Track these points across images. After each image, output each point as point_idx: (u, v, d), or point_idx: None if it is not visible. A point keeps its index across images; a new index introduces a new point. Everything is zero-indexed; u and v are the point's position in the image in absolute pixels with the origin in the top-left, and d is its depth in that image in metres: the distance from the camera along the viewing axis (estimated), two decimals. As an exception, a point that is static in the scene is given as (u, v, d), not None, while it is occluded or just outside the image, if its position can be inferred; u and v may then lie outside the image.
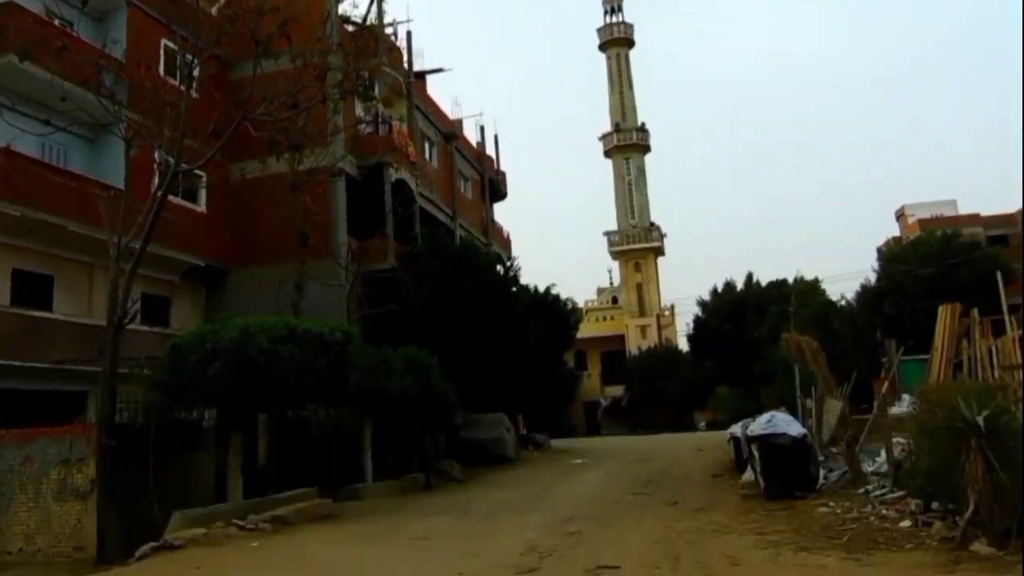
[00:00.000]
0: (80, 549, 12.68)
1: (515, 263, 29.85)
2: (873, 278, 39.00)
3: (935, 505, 9.39)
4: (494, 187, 39.44)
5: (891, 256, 38.85)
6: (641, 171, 66.94)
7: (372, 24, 26.08)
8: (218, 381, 12.91)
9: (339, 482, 17.86)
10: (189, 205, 23.17)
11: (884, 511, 10.18)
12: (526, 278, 34.47)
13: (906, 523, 9.31)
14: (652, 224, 65.95)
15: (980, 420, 8.03)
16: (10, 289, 17.93)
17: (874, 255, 42.04)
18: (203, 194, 23.66)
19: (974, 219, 46.57)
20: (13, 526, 13.25)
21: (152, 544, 11.73)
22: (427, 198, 29.63)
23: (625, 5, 69.15)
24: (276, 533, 12.69)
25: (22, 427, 14.00)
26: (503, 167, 40.93)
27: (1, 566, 12.60)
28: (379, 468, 20.51)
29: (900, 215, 52.32)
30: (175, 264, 22.33)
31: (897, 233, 49.62)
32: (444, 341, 25.73)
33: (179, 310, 23.09)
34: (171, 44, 19.49)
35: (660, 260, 65.85)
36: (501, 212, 40.55)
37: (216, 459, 15.61)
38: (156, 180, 17.16)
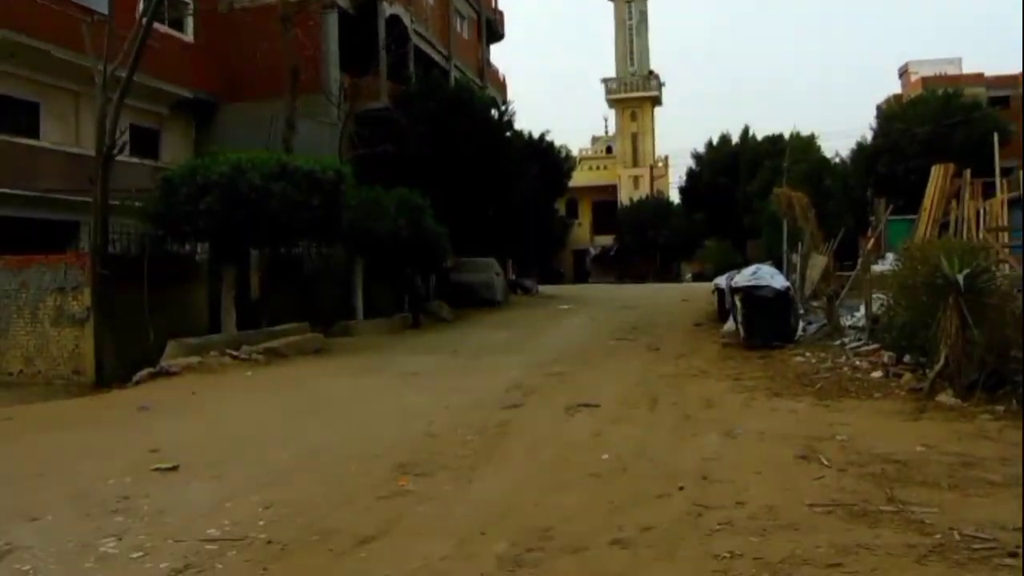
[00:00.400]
0: (79, 373, 12.99)
1: (510, 108, 29.08)
2: (870, 136, 38.41)
3: (907, 358, 9.62)
4: (491, 27, 37.88)
5: (889, 114, 38.09)
6: (643, 17, 64.27)
7: None
8: (209, 215, 12.80)
9: (330, 319, 18.17)
10: (176, 34, 22.22)
11: (858, 362, 10.45)
12: (521, 124, 34.00)
13: (878, 374, 9.58)
14: (651, 73, 64.08)
15: (960, 278, 8.08)
16: (-7, 114, 17.46)
17: (873, 113, 41.21)
18: (191, 23, 22.65)
19: (978, 79, 45.30)
20: (12, 349, 13.50)
21: (149, 370, 12.01)
22: (422, 36, 28.48)
23: None
24: (269, 364, 13.00)
25: (16, 255, 13.98)
26: (501, 6, 39.25)
27: (3, 386, 12.94)
28: (370, 307, 20.89)
29: (903, 72, 50.82)
30: (163, 95, 21.68)
31: (899, 91, 48.40)
32: (437, 184, 25.48)
33: (169, 143, 22.62)
34: None
35: (657, 110, 64.54)
36: (498, 54, 39.32)
37: (209, 292, 15.77)
38: (141, 6, 16.35)
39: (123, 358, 12.78)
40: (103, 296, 12.90)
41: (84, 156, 15.76)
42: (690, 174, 58.42)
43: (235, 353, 12.92)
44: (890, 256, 17.46)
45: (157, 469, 6.48)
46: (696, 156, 58.07)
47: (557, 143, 36.72)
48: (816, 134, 49.19)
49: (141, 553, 4.65)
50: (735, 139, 56.74)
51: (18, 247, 14.52)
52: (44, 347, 13.32)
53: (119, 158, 13.85)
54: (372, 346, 16.14)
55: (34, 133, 18.18)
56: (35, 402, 10.88)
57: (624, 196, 60.48)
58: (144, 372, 11.93)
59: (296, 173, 13.47)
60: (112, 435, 8.15)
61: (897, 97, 44.90)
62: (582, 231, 61.70)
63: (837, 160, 43.04)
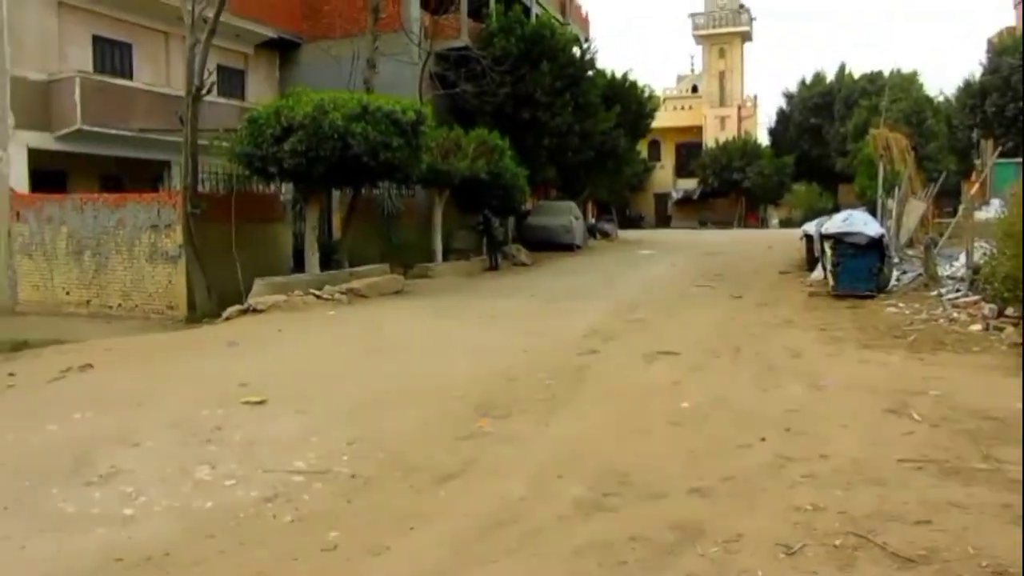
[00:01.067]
0: (172, 308, 13.58)
1: (592, 46, 28.48)
2: (978, 73, 36.15)
3: (1010, 311, 9.18)
4: (575, -39, 36.91)
5: (1001, 49, 35.66)
6: (735, -54, 61.47)
7: None
8: (293, 156, 13.05)
9: (410, 260, 18.53)
10: (260, -28, 22.46)
11: (955, 314, 10.03)
12: (603, 62, 33.28)
13: (976, 327, 9.18)
14: (741, 6, 61.49)
15: (1075, 227, 7.60)
16: (92, 55, 18.06)
17: (983, 47, 38.70)
18: (273, -39, 22.83)
19: (1105, 10, 41.87)
20: (111, 284, 14.20)
21: (238, 307, 12.48)
22: (503, -29, 28.00)
23: None
24: (351, 304, 13.33)
25: (113, 192, 14.58)
26: (586, -62, 38.07)
27: (103, 318, 13.65)
28: (448, 249, 21.20)
29: (1019, 2, 47.38)
30: (249, 35, 22.04)
31: (1013, 23, 45.18)
32: (516, 125, 25.39)
33: (254, 83, 23.06)
34: None
35: (746, 47, 62.02)
36: (581, -11, 38.19)
37: (294, 232, 16.19)
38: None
39: (213, 294, 13.30)
40: (194, 234, 13.38)
41: (174, 96, 16.20)
42: (780, 115, 56.39)
43: (318, 293, 13.28)
44: (996, 202, 16.55)
45: (247, 402, 6.76)
46: (787, 95, 55.96)
47: (640, 83, 35.83)
48: (918, 71, 46.66)
49: (233, 481, 4.88)
50: (830, 77, 54.35)
51: (115, 185, 15.15)
52: (140, 282, 13.96)
53: (207, 98, 14.20)
54: (451, 288, 16.39)
55: (127, 74, 18.77)
56: (133, 335, 11.42)
57: (709, 138, 58.81)
58: (234, 308, 12.39)
59: (377, 113, 13.55)
60: (205, 368, 8.52)
61: (1010, 30, 41.97)
62: (664, 174, 60.51)
63: (941, 99, 40.75)
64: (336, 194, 17.77)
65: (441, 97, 23.58)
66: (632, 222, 58.08)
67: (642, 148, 52.50)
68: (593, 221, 43.47)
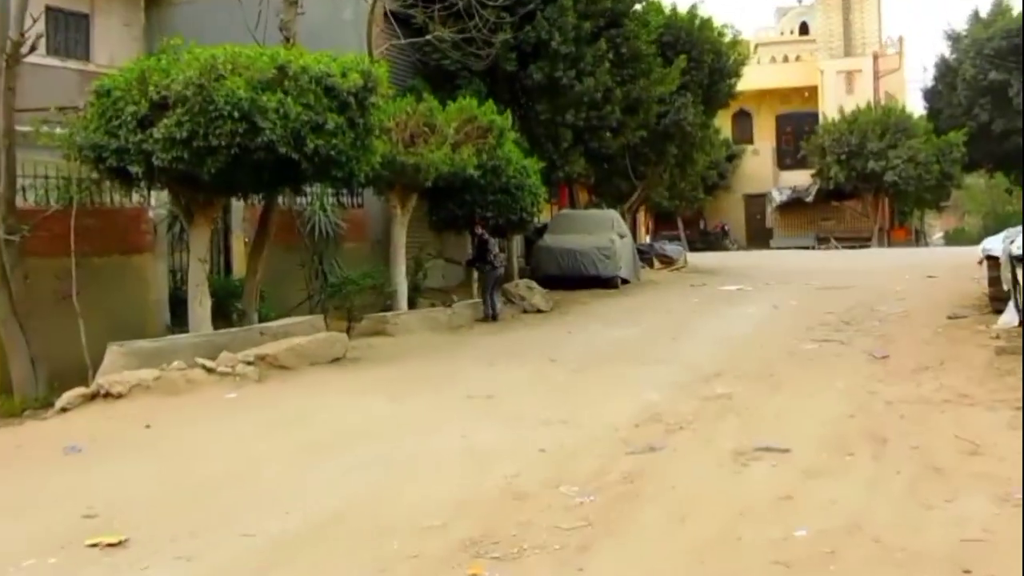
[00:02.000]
0: (-21, 392, 13.54)
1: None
2: None
3: None
4: None
5: None
6: None
7: None
8: (170, 147, 13.10)
9: (358, 308, 18.60)
10: None
11: None
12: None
13: None
14: (875, -100, 62.42)
15: None
16: None
17: None
18: None
19: None
20: None
21: (81, 390, 12.40)
22: None
23: None
24: (263, 380, 13.32)
25: None
26: None
27: None
28: (417, 288, 21.35)
29: None
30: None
31: None
32: (522, 91, 25.65)
33: (105, 36, 23.30)
34: None
35: (883, -37, 62.89)
36: None
37: (170, 267, 16.22)
38: None
39: (42, 370, 13.27)
40: (9, 275, 13.41)
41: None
42: (941, 68, 56.67)
43: (210, 364, 13.28)
44: None
45: (96, 544, 6.72)
46: (952, 37, 56.26)
47: (718, 21, 36.28)
48: None
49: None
50: (1017, 8, 54.79)
51: None
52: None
53: (29, 59, 14.34)
54: (422, 350, 16.46)
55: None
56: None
57: (829, 104, 59.28)
58: (74, 393, 12.33)
59: (301, 78, 13.66)
60: (28, 491, 8.48)
61: None
62: (759, 164, 61.05)
63: None
64: (238, 206, 17.82)
65: (403, 51, 23.84)
66: (709, 240, 58.51)
67: (723, 124, 53.00)
68: (647, 241, 43.64)
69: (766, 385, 12.06)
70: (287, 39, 17.71)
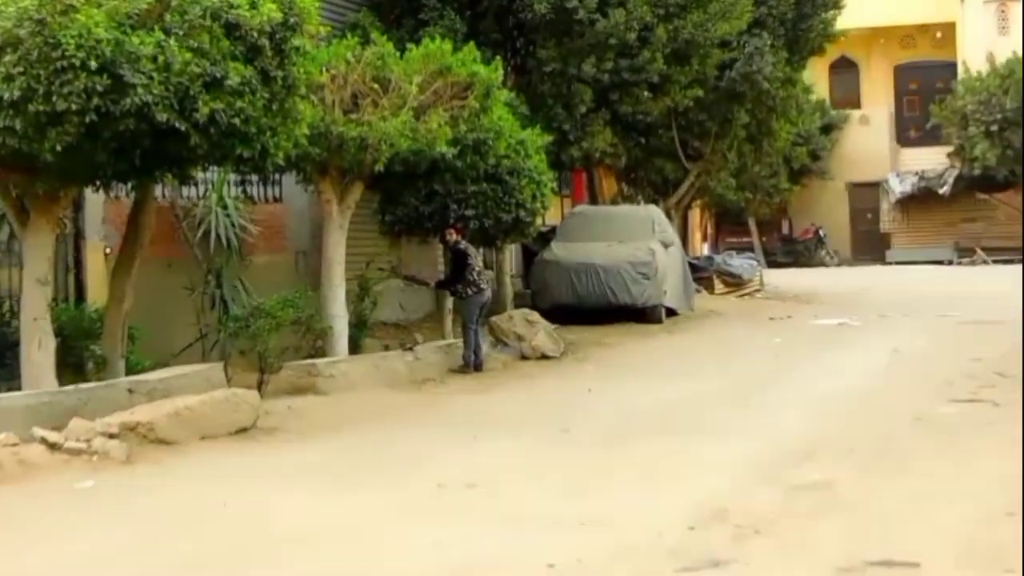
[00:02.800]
0: None
1: None
2: None
3: None
4: None
5: None
6: None
7: None
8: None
9: (273, 353, 18.48)
10: None
11: None
12: None
13: None
14: None
15: None
16: None
17: None
18: None
19: None
20: None
21: None
22: None
23: None
24: (133, 460, 13.25)
25: None
26: None
27: None
28: (362, 323, 21.26)
29: None
30: None
31: None
32: (517, 30, 25.66)
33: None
34: None
35: None
36: None
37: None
38: None
39: None
40: None
41: None
42: None
43: (55, 436, 13.22)
44: None
45: None
46: None
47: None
48: None
49: None
50: None
51: None
52: None
53: None
54: (370, 416, 16.49)
55: None
56: None
57: (973, 51, 59.34)
58: None
59: (190, 12, 13.67)
60: None
61: None
62: (870, 137, 61.13)
63: None
64: (96, 200, 17.76)
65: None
66: (797, 251, 58.55)
67: (816, 79, 53.00)
68: (705, 252, 43.73)
69: (883, 468, 12.03)
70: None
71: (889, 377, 18.61)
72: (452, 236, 21.57)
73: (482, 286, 21.36)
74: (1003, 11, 59.89)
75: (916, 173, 58.94)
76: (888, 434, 13.89)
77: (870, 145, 60.60)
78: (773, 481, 11.56)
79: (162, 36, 13.39)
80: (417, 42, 21.02)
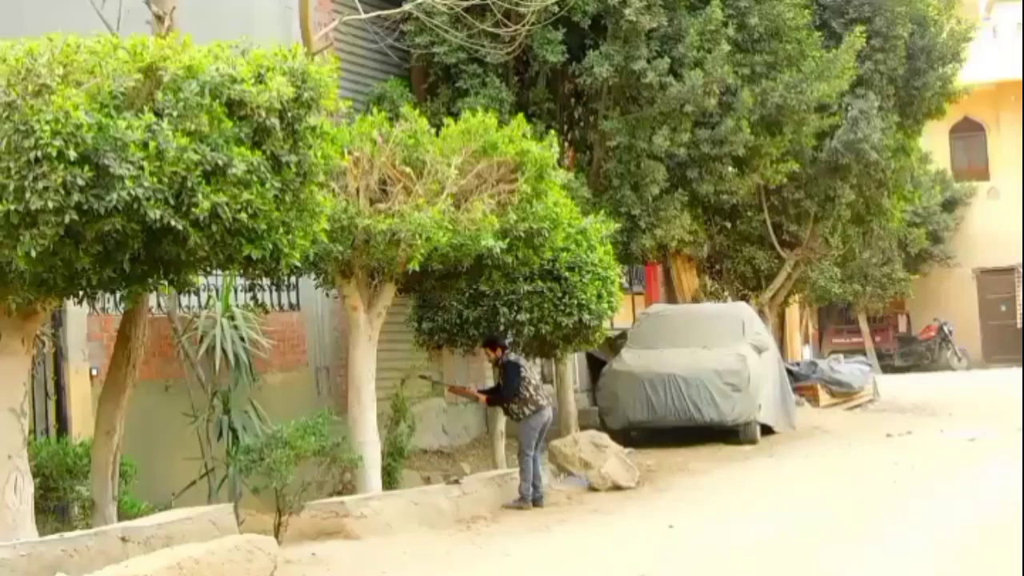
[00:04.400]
0: None
1: None
2: None
3: None
4: None
5: None
6: None
7: None
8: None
9: (290, 491, 18.45)
10: None
11: None
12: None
13: None
14: None
15: None
16: None
17: None
18: None
19: None
20: None
21: None
22: None
23: None
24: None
25: None
26: None
27: None
28: (398, 452, 21.19)
29: None
30: None
31: None
32: (578, 104, 25.80)
33: None
34: None
35: None
36: None
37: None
38: None
39: None
40: None
41: None
42: None
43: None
44: None
45: None
46: None
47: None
48: None
49: None
50: None
51: None
52: None
53: None
54: (408, 565, 16.46)
55: None
56: None
57: None
58: None
59: (185, 89, 13.76)
60: None
61: None
62: (1002, 213, 60.82)
63: None
64: (78, 313, 17.85)
65: (362, 33, 24.07)
66: (917, 353, 58.21)
67: (935, 146, 52.91)
68: (807, 356, 43.60)
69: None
70: (159, 19, 17.90)
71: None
72: (492, 354, 21.51)
73: (541, 403, 21.20)
74: None
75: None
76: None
77: (1002, 223, 60.23)
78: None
79: (153, 119, 13.43)
80: (455, 116, 21.04)
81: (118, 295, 16.25)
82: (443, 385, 22.78)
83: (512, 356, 21.35)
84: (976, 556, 14.96)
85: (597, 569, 15.38)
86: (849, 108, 32.05)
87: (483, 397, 22.04)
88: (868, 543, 16.20)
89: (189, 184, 13.54)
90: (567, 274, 21.99)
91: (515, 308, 21.79)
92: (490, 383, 22.75)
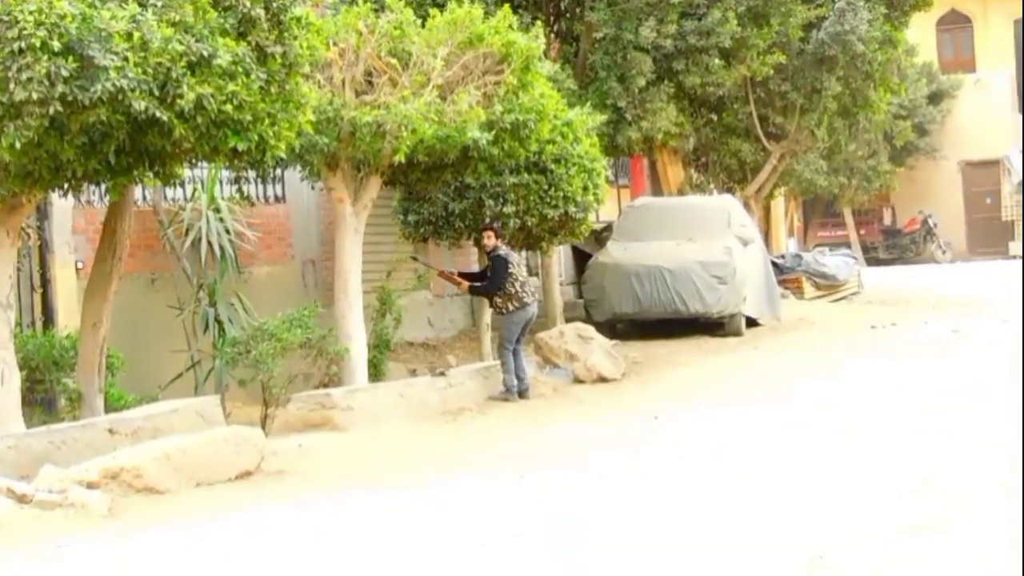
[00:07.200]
0: None
1: None
2: None
3: None
4: None
5: None
6: None
7: None
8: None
9: (278, 382, 18.47)
10: None
11: None
12: None
13: None
14: None
15: None
16: None
17: None
18: None
19: None
20: None
21: None
22: None
23: None
24: (116, 513, 13.25)
25: None
26: None
27: None
28: (382, 344, 21.25)
29: None
30: None
31: None
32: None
33: None
34: None
35: None
36: None
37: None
38: None
39: None
40: None
41: None
42: None
43: (23, 487, 13.25)
44: None
45: None
46: None
47: None
48: None
49: None
50: None
51: None
52: None
53: None
54: (397, 457, 16.48)
55: None
56: None
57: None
58: None
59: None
60: None
61: None
62: (986, 106, 60.73)
63: None
64: (64, 206, 17.82)
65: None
66: (902, 246, 58.27)
67: (921, 38, 52.80)
68: (792, 249, 43.61)
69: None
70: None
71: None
72: (490, 240, 21.48)
73: (526, 300, 21.24)
74: None
75: (1052, 151, 58.60)
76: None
77: (988, 116, 60.16)
78: (880, 527, 11.48)
79: (137, 9, 13.39)
80: (441, 7, 20.96)
81: (103, 187, 16.31)
82: (434, 269, 22.65)
83: (503, 250, 21.32)
84: (948, 437, 14.96)
85: (582, 459, 15.36)
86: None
87: (466, 283, 22.00)
88: (852, 434, 16.19)
89: (174, 75, 13.52)
90: (553, 166, 22.02)
91: (501, 200, 21.81)
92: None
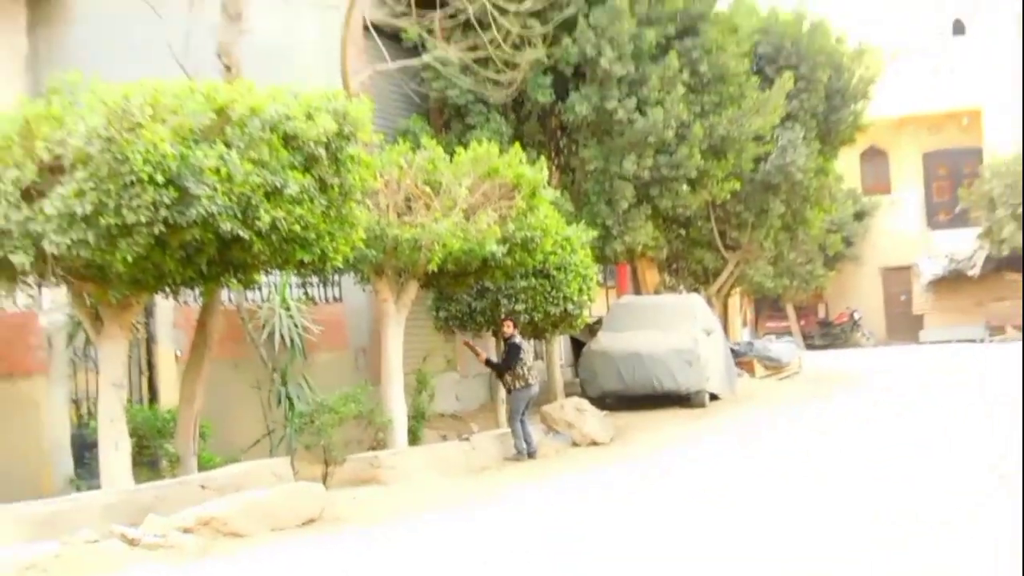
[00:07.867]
0: None
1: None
2: None
3: None
4: None
5: None
6: None
7: None
8: (67, 225, 13.11)
9: (336, 446, 18.49)
10: None
11: None
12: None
13: None
14: None
15: None
16: None
17: None
18: None
19: None
20: None
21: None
22: None
23: None
24: (207, 553, 13.21)
25: None
26: None
27: None
28: (419, 415, 21.23)
29: None
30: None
31: None
32: (560, 130, 25.72)
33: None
34: None
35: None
36: None
37: (72, 396, 16.15)
38: None
39: None
40: None
41: None
42: None
43: (133, 532, 13.20)
44: None
45: None
46: None
47: (833, 25, 36.27)
48: None
49: None
50: None
51: None
52: None
53: None
54: (430, 505, 16.44)
55: None
56: None
57: (998, 136, 58.83)
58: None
59: (249, 125, 13.67)
60: None
61: None
62: (900, 222, 60.71)
63: None
64: (165, 306, 17.85)
65: (392, 79, 24.00)
66: (833, 334, 58.27)
67: (847, 168, 52.74)
68: (746, 338, 43.58)
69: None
70: (228, 68, 17.82)
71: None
72: (508, 328, 21.59)
73: (530, 381, 21.35)
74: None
75: (947, 256, 58.53)
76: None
77: (901, 230, 60.38)
78: (847, 547, 11.40)
79: (224, 149, 13.43)
80: (465, 146, 21.00)
81: (197, 291, 16.32)
82: (482, 354, 22.54)
83: (518, 338, 21.43)
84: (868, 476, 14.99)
85: (577, 507, 15.38)
86: (779, 138, 32.22)
87: (484, 354, 22.13)
88: (800, 476, 16.22)
89: (253, 202, 13.57)
90: (555, 273, 22.19)
91: (513, 300, 22.01)
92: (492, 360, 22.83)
